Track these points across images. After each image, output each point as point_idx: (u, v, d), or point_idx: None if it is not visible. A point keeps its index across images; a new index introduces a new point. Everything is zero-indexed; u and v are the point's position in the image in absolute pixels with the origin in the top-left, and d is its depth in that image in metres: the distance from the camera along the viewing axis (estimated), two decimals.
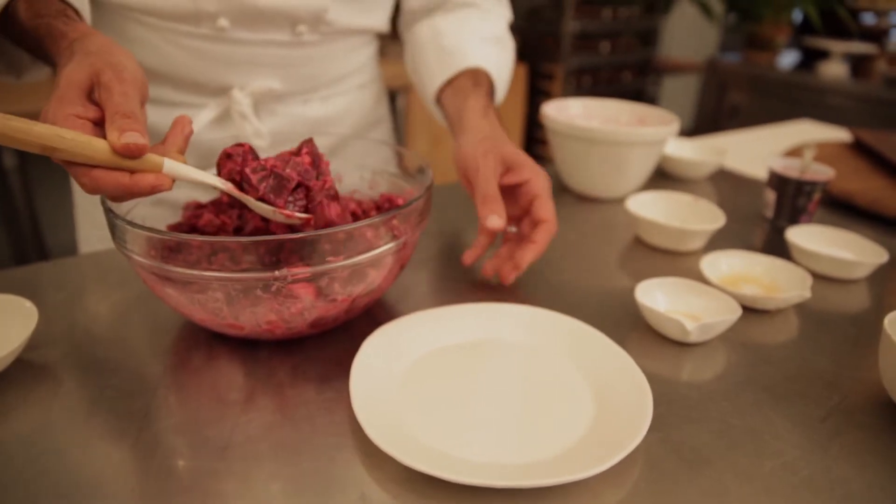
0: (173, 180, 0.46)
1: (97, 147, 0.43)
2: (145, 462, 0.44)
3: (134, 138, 0.43)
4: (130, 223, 0.47)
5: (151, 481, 0.42)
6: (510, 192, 0.67)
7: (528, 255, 0.64)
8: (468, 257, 0.69)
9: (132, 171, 0.44)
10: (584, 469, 0.40)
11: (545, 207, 0.64)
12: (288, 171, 0.51)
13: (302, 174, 0.51)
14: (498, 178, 0.65)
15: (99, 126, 0.46)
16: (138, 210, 0.59)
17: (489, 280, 0.70)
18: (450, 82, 0.79)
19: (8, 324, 0.54)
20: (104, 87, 0.45)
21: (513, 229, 0.68)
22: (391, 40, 0.89)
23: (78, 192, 0.90)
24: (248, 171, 0.50)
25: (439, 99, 0.81)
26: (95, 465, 0.43)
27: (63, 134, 0.42)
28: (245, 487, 0.42)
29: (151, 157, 0.45)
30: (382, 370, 0.51)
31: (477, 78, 0.78)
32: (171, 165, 0.46)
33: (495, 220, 0.61)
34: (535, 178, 0.65)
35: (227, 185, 0.51)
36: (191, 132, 0.50)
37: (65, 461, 0.44)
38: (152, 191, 0.45)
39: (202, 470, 0.43)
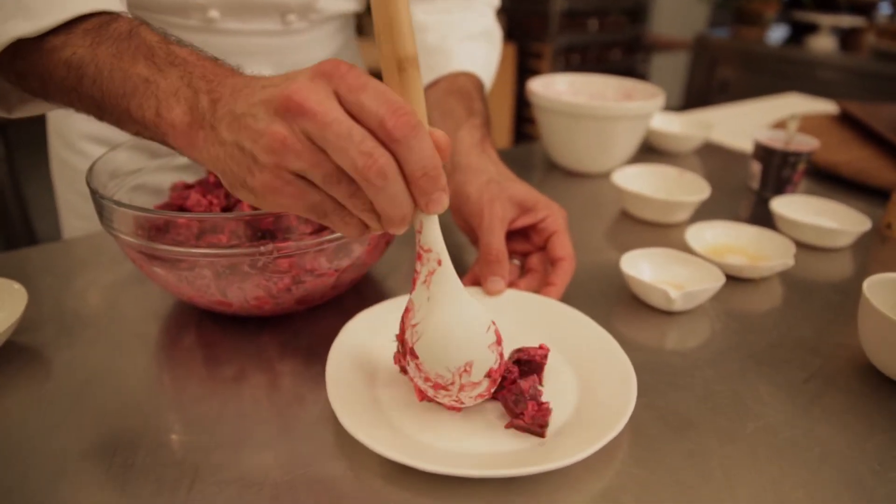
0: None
1: (426, 111, 0.40)
2: (137, 438, 0.44)
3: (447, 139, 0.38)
4: (118, 203, 0.47)
5: (143, 456, 0.43)
6: (523, 231, 0.62)
7: (554, 294, 0.59)
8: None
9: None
10: (566, 457, 0.39)
11: (563, 245, 0.60)
12: None
13: None
14: (507, 224, 0.60)
15: None
16: (120, 195, 0.59)
17: None
18: (434, 85, 0.74)
19: None
20: None
21: (515, 262, 0.64)
22: (368, 17, 0.88)
23: (59, 182, 0.89)
24: None
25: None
26: (86, 443, 0.44)
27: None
28: (236, 460, 0.43)
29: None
30: (360, 356, 0.50)
31: (469, 99, 0.71)
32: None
33: (498, 283, 0.57)
34: (552, 216, 0.60)
35: None
36: None
37: (57, 438, 0.44)
38: (441, 192, 0.38)
39: (193, 444, 0.44)
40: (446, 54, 0.76)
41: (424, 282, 0.42)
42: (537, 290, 0.59)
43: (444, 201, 0.38)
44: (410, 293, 0.44)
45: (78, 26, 0.44)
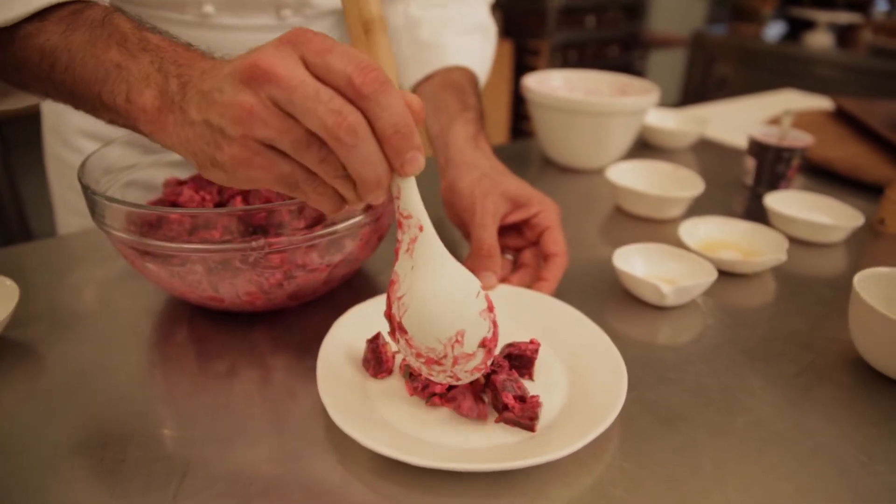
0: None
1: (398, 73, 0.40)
2: (126, 432, 0.44)
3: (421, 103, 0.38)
4: (109, 198, 0.48)
5: (134, 450, 0.43)
6: (516, 226, 0.63)
7: (546, 289, 0.59)
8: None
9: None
10: (555, 450, 0.39)
11: (556, 241, 0.60)
12: None
13: None
14: (500, 219, 0.60)
15: None
16: (113, 191, 0.59)
17: None
18: (429, 80, 0.75)
19: None
20: None
21: (508, 257, 0.64)
22: None
23: (54, 178, 0.89)
24: None
25: (415, 92, 0.77)
26: (78, 438, 0.44)
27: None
28: (226, 455, 0.43)
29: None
30: (351, 351, 0.51)
31: (463, 94, 0.71)
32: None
33: (490, 278, 0.57)
34: (545, 211, 0.60)
35: None
36: None
37: (48, 432, 0.44)
38: (414, 152, 0.36)
39: (184, 438, 0.44)
40: (440, 49, 0.76)
41: (407, 250, 0.41)
42: (529, 286, 0.59)
43: (419, 161, 0.37)
44: (394, 264, 0.42)
45: (53, 14, 0.44)
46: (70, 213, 0.88)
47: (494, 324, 0.42)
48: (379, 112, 0.34)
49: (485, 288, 0.56)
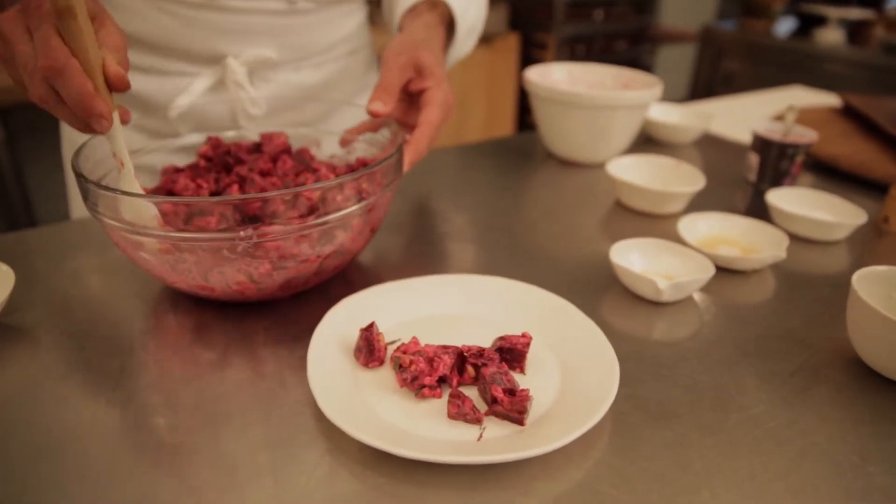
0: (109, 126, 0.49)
1: (95, 52, 0.46)
2: (119, 417, 0.44)
3: (125, 76, 0.47)
4: (101, 186, 0.47)
5: (125, 436, 0.43)
6: (413, 100, 0.68)
7: (406, 158, 0.62)
8: (345, 134, 0.70)
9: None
10: (544, 444, 0.39)
11: (426, 113, 0.64)
12: None
13: None
14: (404, 79, 0.65)
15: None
16: (111, 177, 0.59)
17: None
18: (410, 10, 0.78)
19: None
20: (107, 28, 0.49)
21: (406, 137, 0.66)
22: (381, 8, 0.89)
23: (69, 164, 0.89)
24: None
25: (400, 27, 0.80)
26: (71, 420, 0.44)
27: (88, 19, 0.45)
28: (215, 441, 0.43)
29: (111, 98, 0.48)
30: (343, 342, 0.50)
31: (434, 4, 0.77)
32: (117, 121, 0.49)
33: (378, 105, 0.62)
34: (434, 87, 0.65)
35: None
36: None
37: (40, 416, 0.44)
38: (98, 119, 0.47)
39: (174, 425, 0.44)
40: None
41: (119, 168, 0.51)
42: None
43: (102, 125, 0.47)
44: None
45: None
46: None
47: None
48: (60, 90, 0.45)
49: (371, 111, 0.62)
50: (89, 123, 0.47)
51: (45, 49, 0.44)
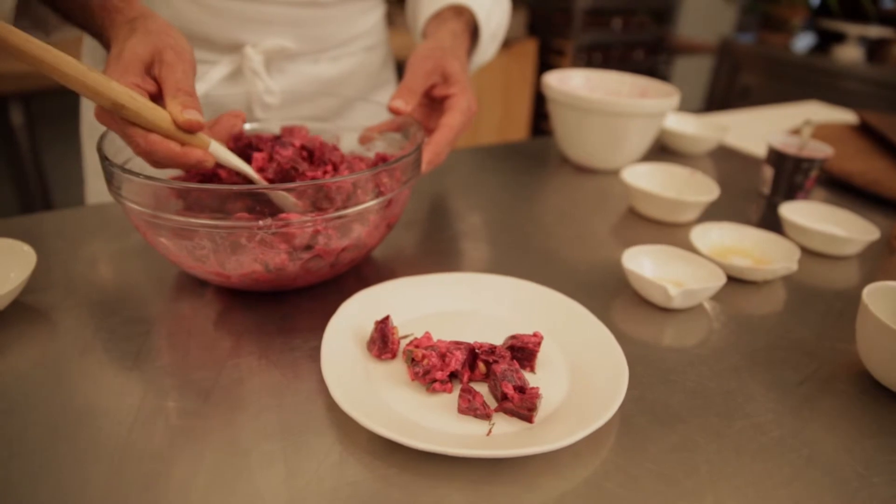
0: (216, 162, 0.52)
1: (160, 115, 0.48)
2: (135, 399, 0.45)
3: (194, 115, 0.49)
4: (126, 170, 0.48)
5: (140, 417, 0.44)
6: (438, 105, 0.69)
7: (424, 158, 0.63)
8: (365, 131, 0.71)
9: (182, 143, 0.50)
10: (552, 442, 0.40)
11: (448, 117, 0.66)
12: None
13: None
14: (429, 82, 0.67)
15: (154, 99, 0.50)
16: (134, 163, 0.60)
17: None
18: (435, 15, 0.80)
19: (7, 267, 0.55)
20: (166, 65, 0.50)
21: (427, 139, 0.67)
22: (399, 10, 0.90)
23: (87, 147, 0.91)
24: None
25: (424, 33, 0.82)
26: (85, 401, 0.45)
27: (135, 96, 0.47)
28: (227, 426, 0.43)
29: (201, 137, 0.51)
30: (357, 335, 0.51)
31: (460, 11, 0.79)
32: (216, 147, 0.52)
33: (399, 102, 0.63)
34: (459, 94, 0.67)
35: (257, 177, 0.56)
36: (239, 130, 0.59)
37: (57, 395, 0.45)
38: (198, 165, 0.50)
39: (187, 410, 0.45)
40: None
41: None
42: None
43: (205, 167, 0.51)
44: None
45: None
46: (102, 180, 0.90)
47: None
48: (156, 160, 0.49)
49: (392, 108, 0.63)
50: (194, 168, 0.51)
51: (126, 138, 0.49)
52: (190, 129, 0.49)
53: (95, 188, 0.91)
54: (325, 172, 0.58)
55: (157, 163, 0.50)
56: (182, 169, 0.51)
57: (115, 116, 0.48)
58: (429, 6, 0.81)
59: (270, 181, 0.57)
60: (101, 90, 0.45)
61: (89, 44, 0.87)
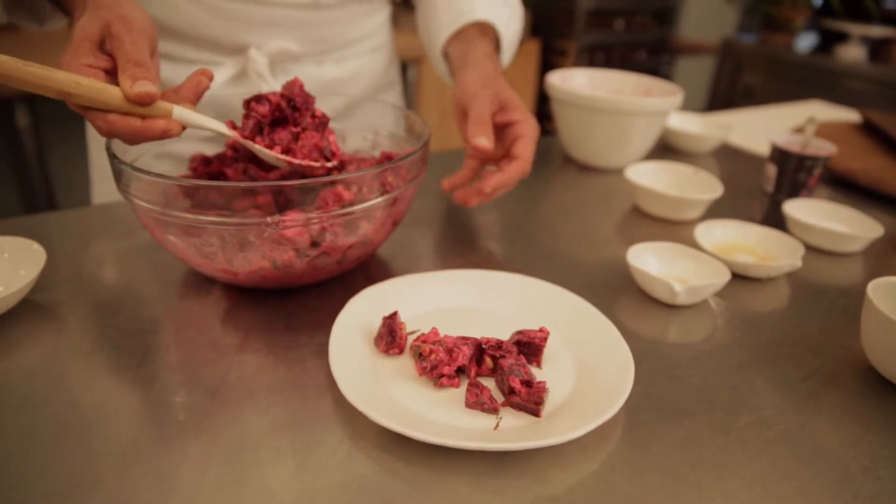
0: (183, 127, 0.50)
1: (111, 93, 0.46)
2: (143, 396, 0.46)
3: (145, 87, 0.46)
4: (135, 168, 0.49)
5: (149, 413, 0.44)
6: (498, 133, 0.68)
7: (493, 180, 0.65)
8: (447, 183, 0.71)
9: (144, 117, 0.47)
10: (559, 435, 0.40)
11: (524, 147, 0.66)
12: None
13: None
14: (492, 111, 0.67)
15: (111, 75, 0.48)
16: (143, 161, 0.61)
17: (446, 195, 0.78)
18: (457, 34, 0.80)
19: (17, 265, 0.56)
20: (115, 38, 0.48)
21: (493, 168, 0.68)
22: (405, 10, 0.91)
23: (94, 147, 0.91)
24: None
25: (445, 51, 0.82)
26: (94, 397, 0.45)
27: (80, 81, 0.45)
28: (236, 421, 0.44)
29: (162, 105, 0.48)
30: (364, 330, 0.52)
31: (484, 29, 0.79)
32: (181, 112, 0.49)
33: (483, 140, 0.63)
34: (524, 121, 0.67)
35: (232, 133, 0.54)
36: (205, 87, 0.53)
37: (66, 392, 0.46)
38: (163, 135, 0.48)
39: (195, 406, 0.45)
40: (471, 6, 0.81)
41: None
42: (489, 175, 0.66)
43: (171, 134, 0.49)
44: None
45: None
46: (107, 180, 0.90)
47: (306, 166, 0.54)
48: (121, 139, 0.49)
49: (477, 147, 0.63)
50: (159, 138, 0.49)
51: (90, 121, 0.47)
52: (142, 102, 0.47)
53: (101, 189, 0.92)
54: (312, 119, 0.57)
55: (127, 140, 0.49)
56: (150, 141, 0.49)
57: (72, 104, 0.46)
58: (449, 24, 0.81)
59: (248, 138, 0.56)
60: (41, 83, 0.44)
61: None
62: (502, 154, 0.69)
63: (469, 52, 0.75)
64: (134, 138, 0.48)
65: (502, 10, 0.84)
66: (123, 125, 0.47)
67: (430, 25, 0.86)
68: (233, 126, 0.55)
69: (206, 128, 0.52)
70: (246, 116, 0.56)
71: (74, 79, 0.45)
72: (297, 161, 0.55)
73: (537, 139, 0.68)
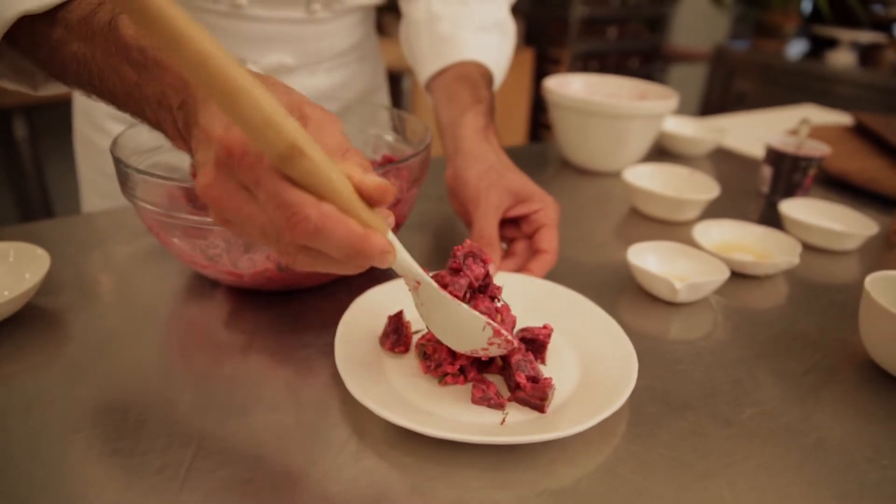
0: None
1: (340, 176, 0.33)
2: (148, 398, 0.46)
3: (381, 179, 0.34)
4: (140, 171, 0.49)
5: (154, 414, 0.44)
6: (514, 219, 0.64)
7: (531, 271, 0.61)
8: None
9: (363, 224, 0.34)
10: (565, 429, 0.41)
11: (550, 239, 0.61)
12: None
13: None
14: (502, 212, 0.62)
15: None
16: (148, 161, 0.61)
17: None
18: (444, 73, 0.77)
19: (21, 269, 0.56)
20: (313, 122, 0.37)
21: (504, 247, 0.66)
22: (395, 18, 0.92)
23: (82, 160, 0.91)
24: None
25: (430, 88, 0.79)
26: (99, 399, 0.46)
27: (314, 143, 0.32)
28: (243, 422, 0.44)
29: (381, 217, 0.36)
30: (370, 329, 0.52)
31: (476, 87, 0.72)
32: (393, 238, 0.37)
33: (492, 268, 0.55)
34: (545, 210, 0.62)
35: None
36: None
37: (71, 396, 0.46)
38: (381, 256, 0.34)
39: (202, 407, 0.45)
40: (457, 43, 0.78)
41: (413, 288, 0.44)
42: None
43: (387, 260, 0.35)
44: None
45: (73, 13, 0.46)
46: (96, 195, 0.90)
47: (508, 341, 0.45)
48: (324, 248, 0.33)
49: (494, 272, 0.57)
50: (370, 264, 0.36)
51: (285, 211, 0.32)
52: (381, 197, 0.35)
53: (91, 201, 0.92)
54: None
55: (329, 251, 0.34)
56: (356, 264, 0.35)
57: (263, 172, 0.32)
58: (432, 60, 0.78)
59: None
60: (280, 126, 0.30)
61: (80, 104, 0.87)
62: (520, 237, 0.64)
63: (460, 127, 0.67)
64: (343, 248, 0.33)
65: (492, 38, 0.81)
66: (340, 224, 0.32)
67: (414, 54, 0.84)
68: None
69: (414, 272, 0.42)
70: None
71: (310, 138, 0.32)
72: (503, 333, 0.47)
73: (559, 214, 0.63)
